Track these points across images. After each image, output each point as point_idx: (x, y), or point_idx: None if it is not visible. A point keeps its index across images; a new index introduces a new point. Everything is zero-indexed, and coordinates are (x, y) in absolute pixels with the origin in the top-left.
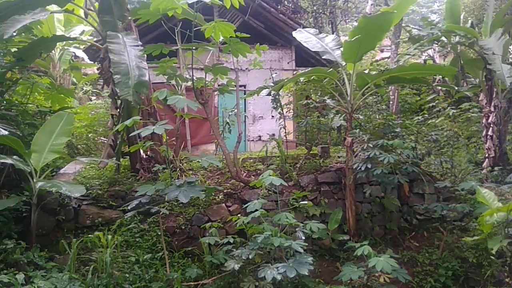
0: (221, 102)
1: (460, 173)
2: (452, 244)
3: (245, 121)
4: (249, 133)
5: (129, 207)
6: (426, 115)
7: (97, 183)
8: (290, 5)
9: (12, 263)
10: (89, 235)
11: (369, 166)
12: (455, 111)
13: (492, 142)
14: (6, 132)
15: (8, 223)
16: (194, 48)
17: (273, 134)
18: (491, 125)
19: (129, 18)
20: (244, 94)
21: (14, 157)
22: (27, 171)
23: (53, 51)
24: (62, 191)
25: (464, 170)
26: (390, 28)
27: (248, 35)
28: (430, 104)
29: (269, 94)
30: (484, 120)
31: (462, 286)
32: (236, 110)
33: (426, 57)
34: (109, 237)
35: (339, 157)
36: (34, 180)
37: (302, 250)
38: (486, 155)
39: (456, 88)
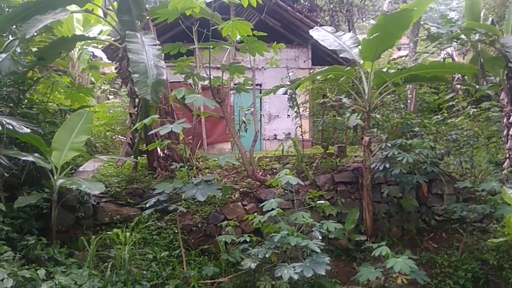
0: (237, 101)
1: (480, 174)
2: (472, 245)
3: (260, 120)
4: (265, 132)
5: (147, 205)
6: (446, 114)
7: (115, 180)
8: (306, 3)
9: (33, 259)
10: (108, 232)
11: (387, 165)
12: (475, 110)
13: None
14: (28, 130)
15: (29, 219)
16: (211, 47)
17: (289, 133)
18: None
19: (147, 17)
20: (260, 93)
21: (35, 154)
22: (48, 169)
23: (72, 51)
24: (82, 189)
25: (484, 171)
26: (409, 26)
27: (265, 34)
28: (449, 103)
29: (285, 93)
30: (505, 120)
31: None
32: (252, 109)
33: (445, 55)
34: (127, 234)
35: (356, 156)
36: (55, 178)
37: (319, 250)
38: (507, 155)
39: (477, 86)
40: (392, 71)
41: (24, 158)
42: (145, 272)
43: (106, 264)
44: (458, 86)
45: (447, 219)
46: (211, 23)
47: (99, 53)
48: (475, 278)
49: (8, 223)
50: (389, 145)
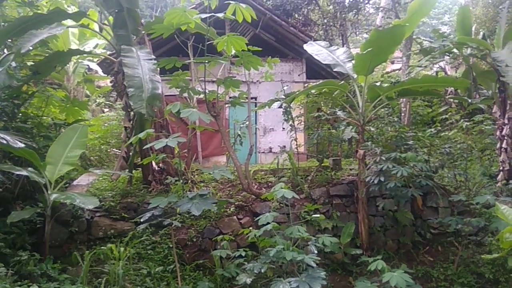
0: (232, 114)
1: (475, 186)
2: (468, 259)
3: (256, 133)
4: (260, 145)
5: (142, 220)
6: (439, 127)
7: (109, 194)
8: (300, 18)
9: (26, 275)
10: (102, 247)
11: (382, 179)
12: (468, 123)
13: (507, 155)
14: (22, 145)
15: (22, 234)
16: (206, 61)
17: (284, 146)
18: (505, 138)
19: (143, 32)
20: (255, 106)
21: (29, 169)
22: (41, 183)
23: (67, 64)
24: (76, 203)
25: (479, 184)
26: (402, 41)
27: (260, 49)
28: (443, 116)
29: (280, 107)
30: (498, 133)
31: None
32: (247, 122)
33: (438, 69)
34: (122, 249)
35: (350, 169)
36: (49, 192)
37: (314, 265)
38: (501, 168)
39: (469, 100)
40: (386, 85)
41: (18, 173)
42: None
43: (100, 279)
44: (451, 100)
45: (443, 232)
46: (206, 38)
47: (94, 66)
48: None
49: (1, 238)
50: (384, 158)
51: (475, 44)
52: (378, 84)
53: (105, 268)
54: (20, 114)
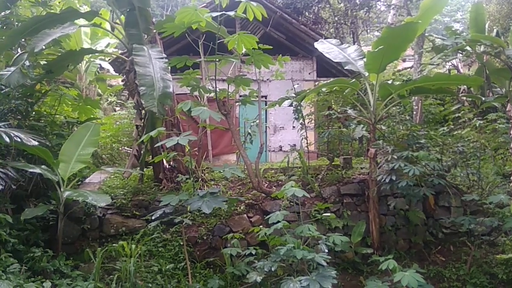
0: (242, 112)
1: (488, 186)
2: (480, 259)
3: (266, 132)
4: (270, 143)
5: (153, 217)
6: (452, 126)
7: (121, 192)
8: (311, 16)
9: (39, 271)
10: (114, 244)
11: (394, 178)
12: (481, 121)
13: None
14: (36, 143)
15: (36, 231)
16: (217, 60)
17: (294, 145)
18: None
19: (154, 31)
20: (266, 104)
21: (43, 166)
22: (54, 181)
23: (79, 63)
24: (88, 201)
25: (492, 183)
26: (414, 38)
27: (271, 47)
28: (455, 115)
29: (290, 105)
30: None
31: None
32: (257, 121)
33: (450, 67)
34: (133, 246)
35: (361, 168)
36: (61, 189)
37: (325, 263)
38: None
39: (483, 98)
40: (397, 83)
41: (31, 170)
42: (150, 285)
43: (111, 276)
44: (464, 98)
45: (455, 232)
46: (217, 37)
47: (106, 65)
48: None
49: (15, 235)
50: (395, 157)
51: (489, 42)
52: (389, 82)
53: (116, 265)
54: (34, 113)
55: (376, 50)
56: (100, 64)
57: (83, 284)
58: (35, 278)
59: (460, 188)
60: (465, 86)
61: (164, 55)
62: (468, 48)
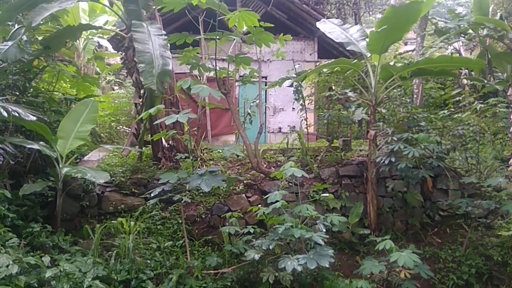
0: (242, 93)
1: (486, 170)
2: (476, 241)
3: (265, 113)
4: (269, 124)
5: (151, 195)
6: (452, 109)
7: (120, 170)
8: None
9: (38, 246)
10: (112, 221)
11: (393, 159)
12: (482, 105)
13: None
14: (34, 118)
15: (34, 207)
16: (217, 37)
17: (294, 126)
18: None
19: (154, 7)
20: (265, 85)
21: (41, 143)
22: (53, 157)
23: (77, 41)
24: (87, 177)
25: (490, 167)
26: (417, 19)
27: (272, 25)
28: (456, 99)
29: (291, 86)
30: (511, 116)
31: (486, 284)
32: (257, 101)
33: (452, 50)
34: (132, 223)
35: (360, 150)
36: (60, 166)
37: (322, 243)
38: None
39: (485, 81)
40: (399, 64)
41: (29, 146)
42: (149, 261)
43: (110, 252)
44: (465, 82)
45: (452, 214)
46: (217, 14)
47: (104, 43)
48: (479, 274)
49: (14, 210)
50: (395, 139)
51: (492, 25)
52: (392, 64)
53: (115, 242)
54: (32, 89)
55: (379, 30)
56: (98, 42)
57: (82, 259)
58: (34, 253)
59: (458, 172)
60: (467, 70)
61: (164, 32)
62: (470, 31)
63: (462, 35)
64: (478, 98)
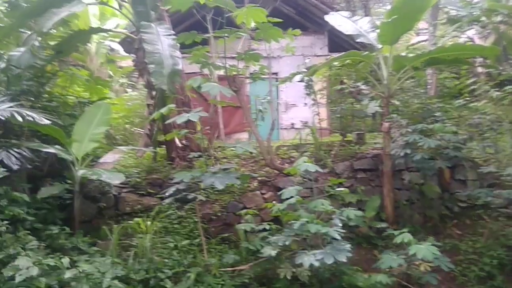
0: (252, 90)
1: (505, 159)
2: (497, 231)
3: (277, 109)
4: (282, 121)
5: (166, 194)
6: (468, 99)
7: (135, 171)
8: None
9: (57, 248)
10: (129, 222)
11: (408, 151)
12: (498, 93)
13: None
14: (48, 122)
15: (53, 210)
16: (226, 35)
17: (306, 122)
18: None
19: (162, 8)
20: (276, 81)
21: (56, 146)
22: (69, 160)
23: (89, 45)
24: (103, 179)
25: (509, 156)
26: (429, 7)
27: (281, 20)
28: (471, 88)
29: (302, 81)
30: None
31: (509, 275)
32: (268, 97)
33: (466, 39)
34: (148, 223)
35: (375, 143)
36: (76, 168)
37: (339, 237)
38: None
39: (501, 68)
40: (412, 55)
41: (46, 150)
42: (166, 260)
43: (128, 252)
44: (480, 70)
45: (471, 205)
46: (225, 11)
47: (116, 46)
48: (501, 265)
49: (33, 213)
50: (410, 130)
51: (506, 11)
52: (403, 54)
53: (133, 242)
54: (46, 94)
55: (389, 20)
56: (110, 46)
57: (100, 260)
58: (54, 254)
59: (476, 162)
60: (482, 58)
61: (172, 32)
62: (484, 18)
63: (475, 22)
64: (494, 86)
